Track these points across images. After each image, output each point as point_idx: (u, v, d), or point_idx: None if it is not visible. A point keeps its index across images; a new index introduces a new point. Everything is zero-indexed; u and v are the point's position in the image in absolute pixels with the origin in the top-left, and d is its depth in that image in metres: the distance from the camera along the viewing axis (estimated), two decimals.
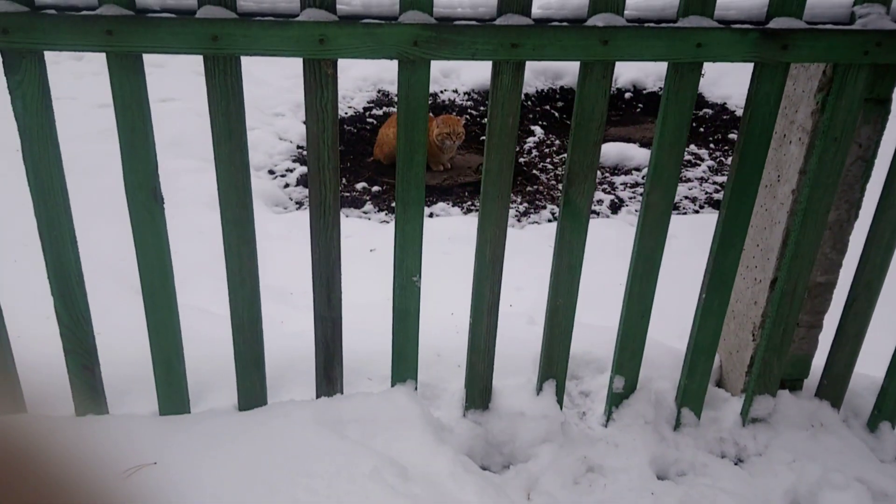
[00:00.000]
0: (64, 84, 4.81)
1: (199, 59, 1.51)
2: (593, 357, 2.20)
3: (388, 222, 3.85)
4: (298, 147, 4.72)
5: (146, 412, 1.87)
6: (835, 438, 1.97)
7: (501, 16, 1.52)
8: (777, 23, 1.57)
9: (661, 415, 1.99)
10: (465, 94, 5.76)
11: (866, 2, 1.59)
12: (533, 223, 3.96)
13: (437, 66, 5.71)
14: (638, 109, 5.79)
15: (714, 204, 4.28)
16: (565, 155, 4.81)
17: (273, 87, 5.41)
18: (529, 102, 5.61)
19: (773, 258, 1.90)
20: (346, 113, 5.28)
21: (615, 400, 1.99)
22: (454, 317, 2.50)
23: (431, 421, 1.84)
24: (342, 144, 4.67)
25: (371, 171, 4.49)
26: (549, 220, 3.98)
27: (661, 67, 5.89)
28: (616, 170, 4.70)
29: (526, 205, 4.16)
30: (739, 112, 5.56)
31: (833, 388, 2.04)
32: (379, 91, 5.69)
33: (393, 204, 4.05)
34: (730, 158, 4.87)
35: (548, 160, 4.80)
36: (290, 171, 4.41)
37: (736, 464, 1.95)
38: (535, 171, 4.60)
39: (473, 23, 1.52)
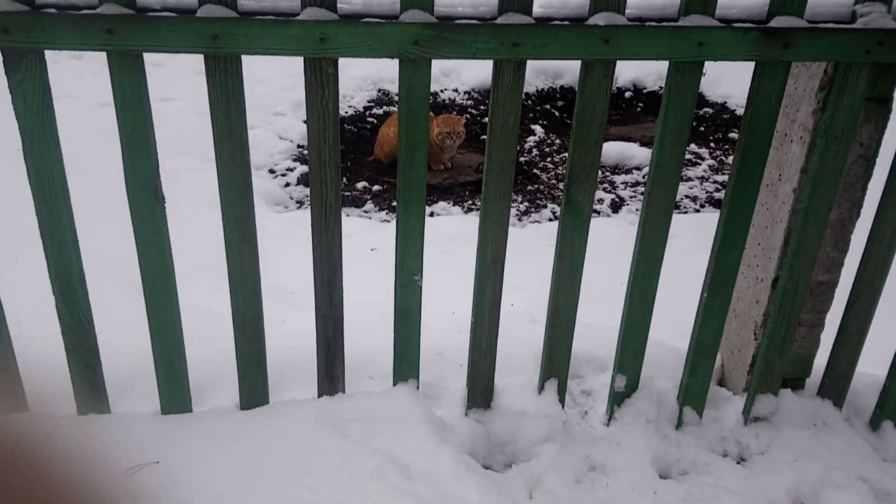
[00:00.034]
0: (64, 83, 4.81)
1: (200, 57, 1.51)
2: (595, 356, 2.20)
3: (388, 221, 3.85)
4: (299, 146, 4.71)
5: (148, 411, 1.87)
6: (837, 437, 1.97)
7: (502, 15, 1.52)
8: (778, 21, 1.57)
9: (663, 414, 1.99)
10: (465, 93, 5.75)
11: (867, 1, 1.59)
12: (534, 222, 3.96)
13: (437, 66, 5.70)
14: (638, 108, 5.79)
15: (715, 203, 4.28)
16: (566, 154, 4.82)
17: (273, 85, 5.41)
18: (530, 101, 5.60)
19: (774, 257, 1.90)
20: (346, 112, 5.28)
21: (617, 399, 1.99)
22: (455, 316, 2.50)
23: (433, 420, 1.84)
24: (343, 143, 4.67)
25: (371, 171, 4.48)
26: (550, 220, 3.98)
27: (662, 66, 5.89)
28: (617, 169, 4.70)
29: (527, 204, 4.16)
30: (740, 111, 5.56)
31: (835, 386, 2.04)
32: (379, 90, 5.68)
33: (394, 203, 4.06)
34: (730, 157, 4.87)
35: (548, 159, 4.80)
36: (291, 170, 4.41)
37: (738, 463, 1.95)
38: (535, 171, 4.60)
39: (474, 22, 1.52)
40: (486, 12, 1.53)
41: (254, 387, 1.87)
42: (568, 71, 5.86)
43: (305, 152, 4.60)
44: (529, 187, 4.36)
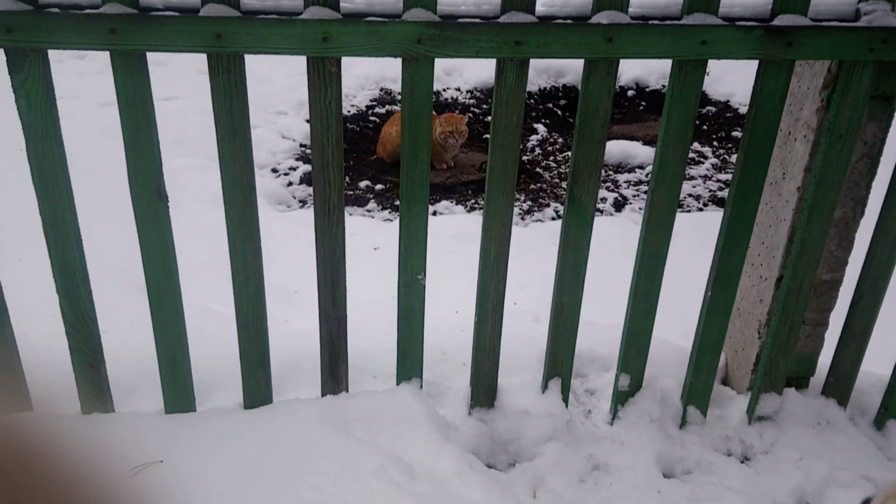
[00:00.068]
0: (67, 82, 4.82)
1: (202, 57, 1.51)
2: (598, 355, 2.19)
3: (391, 220, 3.85)
4: (301, 145, 4.72)
5: (152, 410, 1.87)
6: (841, 436, 1.96)
7: (505, 13, 1.52)
8: (782, 20, 1.57)
9: (667, 413, 1.99)
10: (467, 92, 5.75)
11: None
12: (536, 221, 3.95)
13: (439, 64, 5.70)
14: (641, 107, 5.78)
15: (718, 201, 4.27)
16: (568, 153, 4.81)
17: (276, 85, 5.41)
18: (532, 100, 5.60)
19: (778, 256, 1.89)
20: (348, 111, 5.28)
21: (621, 398, 1.99)
22: (458, 315, 2.50)
23: (437, 419, 1.84)
24: (345, 142, 4.67)
25: (374, 170, 4.48)
26: (553, 218, 3.98)
27: (664, 65, 5.88)
28: (619, 168, 4.70)
29: (529, 203, 4.16)
30: (743, 109, 5.55)
31: (839, 385, 2.04)
32: (381, 89, 5.68)
33: (396, 202, 4.05)
34: (733, 156, 4.86)
35: (551, 158, 4.80)
36: (294, 169, 4.41)
37: (742, 462, 1.94)
38: (538, 169, 4.59)
39: (477, 20, 1.52)
40: (489, 11, 1.53)
41: (257, 386, 1.87)
42: (570, 70, 5.86)
43: (308, 151, 4.60)
44: (532, 186, 4.35)
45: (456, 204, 4.12)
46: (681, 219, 3.42)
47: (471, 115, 5.36)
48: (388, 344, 1.91)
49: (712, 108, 5.65)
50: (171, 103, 4.72)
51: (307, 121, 4.93)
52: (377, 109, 5.37)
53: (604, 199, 4.23)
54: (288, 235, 3.36)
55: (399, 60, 1.54)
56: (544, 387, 1.98)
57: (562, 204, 4.05)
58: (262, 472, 1.62)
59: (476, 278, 1.82)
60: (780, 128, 1.86)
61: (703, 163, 4.80)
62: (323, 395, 1.91)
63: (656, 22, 1.55)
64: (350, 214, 3.87)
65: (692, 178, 4.57)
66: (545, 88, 5.78)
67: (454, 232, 3.50)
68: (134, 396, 1.90)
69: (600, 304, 2.36)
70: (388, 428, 1.78)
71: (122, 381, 1.88)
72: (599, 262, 2.18)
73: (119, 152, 1.59)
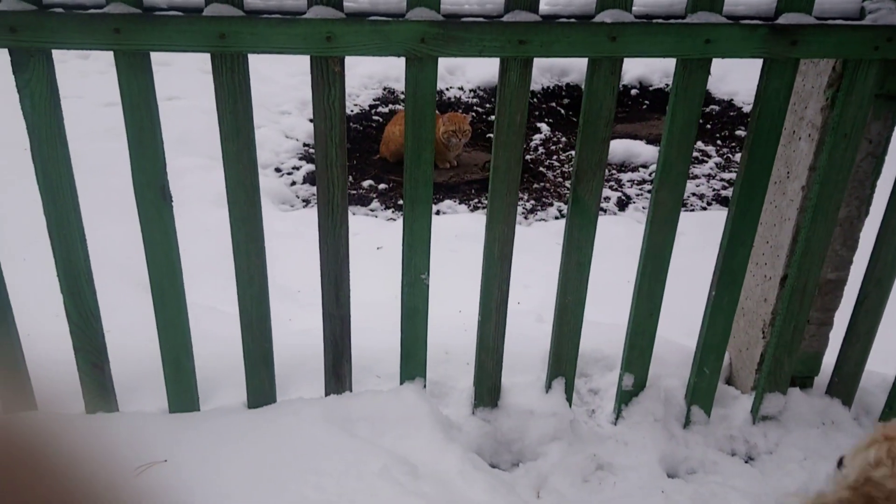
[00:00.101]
0: (70, 82, 4.82)
1: (206, 56, 1.51)
2: (602, 355, 2.19)
3: (394, 220, 3.85)
4: (305, 145, 4.72)
5: (155, 409, 1.87)
6: (846, 436, 1.96)
7: (509, 12, 1.52)
8: (786, 18, 1.56)
9: (671, 412, 1.98)
10: (470, 91, 5.75)
11: None
12: (540, 220, 3.95)
13: (442, 64, 5.68)
14: (644, 106, 5.77)
15: (721, 201, 4.27)
16: (572, 152, 4.81)
17: (279, 84, 5.41)
18: (535, 99, 5.59)
19: (783, 255, 1.89)
20: (351, 111, 5.28)
21: (624, 398, 1.98)
22: (462, 314, 2.49)
23: (440, 419, 1.84)
24: (348, 142, 4.67)
25: (377, 169, 4.48)
26: (556, 218, 3.97)
27: (668, 63, 5.87)
28: (623, 167, 4.69)
29: (533, 202, 4.15)
30: (746, 108, 5.54)
31: (844, 385, 2.03)
32: (385, 88, 5.68)
33: (399, 201, 4.05)
34: (737, 155, 4.85)
35: (554, 157, 4.79)
36: (297, 168, 4.41)
37: (746, 462, 1.94)
38: (541, 169, 4.59)
39: (481, 20, 1.52)
40: (492, 10, 1.53)
41: (261, 385, 1.87)
42: (574, 69, 5.85)
43: (311, 151, 4.60)
44: (535, 185, 4.35)
45: (459, 203, 4.11)
46: (684, 218, 3.40)
47: (474, 114, 5.36)
48: (392, 343, 1.91)
49: (716, 107, 5.64)
50: (174, 103, 4.72)
51: (311, 120, 4.93)
52: (380, 109, 5.37)
53: (607, 199, 4.22)
54: (291, 235, 3.36)
55: (402, 60, 1.54)
56: (548, 386, 1.98)
57: (565, 203, 4.04)
58: (266, 471, 1.62)
59: (479, 278, 1.81)
60: (785, 127, 1.85)
61: (706, 162, 4.79)
62: (326, 394, 1.91)
63: (660, 20, 1.55)
64: (353, 214, 3.87)
65: (696, 177, 4.57)
66: (548, 87, 5.77)
67: (457, 231, 3.49)
68: (138, 396, 1.91)
69: (604, 303, 2.35)
70: (392, 428, 1.78)
71: (126, 380, 1.89)
72: (603, 262, 2.17)
73: (123, 152, 1.59)
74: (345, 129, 1.61)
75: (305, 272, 2.34)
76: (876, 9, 1.58)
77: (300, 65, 5.43)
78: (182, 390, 1.85)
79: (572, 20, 1.53)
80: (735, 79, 5.83)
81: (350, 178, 4.33)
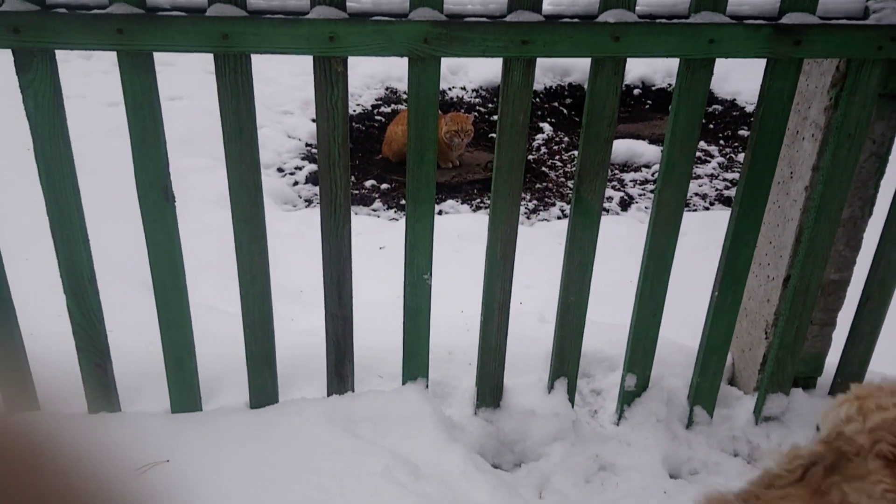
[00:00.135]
0: (73, 82, 4.83)
1: (208, 56, 1.51)
2: (605, 355, 2.19)
3: (397, 220, 3.85)
4: (307, 145, 4.72)
5: (158, 409, 1.87)
6: None
7: (512, 12, 1.52)
8: (790, 18, 1.56)
9: (674, 413, 1.98)
10: (473, 91, 5.75)
11: None
12: (542, 220, 3.95)
13: (444, 63, 5.67)
14: (647, 106, 5.76)
15: (724, 201, 4.26)
16: (574, 152, 4.80)
17: (281, 84, 5.41)
18: (538, 99, 5.59)
19: (786, 255, 1.88)
20: (354, 110, 5.28)
21: (627, 398, 1.98)
22: (464, 314, 2.49)
23: (443, 419, 1.84)
24: (351, 142, 4.67)
25: (380, 169, 4.48)
26: (559, 218, 3.97)
27: (671, 63, 5.86)
28: (625, 167, 4.68)
29: (535, 202, 4.15)
30: (749, 108, 5.53)
31: (847, 386, 2.02)
32: (387, 88, 5.68)
33: (402, 201, 4.05)
34: (740, 155, 4.85)
35: (556, 157, 4.79)
36: (299, 168, 4.41)
37: (749, 462, 1.93)
38: (544, 169, 4.58)
39: (484, 20, 1.52)
40: (495, 10, 1.53)
41: (263, 385, 1.87)
42: (576, 68, 5.84)
43: (314, 151, 4.60)
44: (538, 185, 4.35)
45: (461, 203, 4.11)
46: (687, 218, 3.38)
47: (476, 114, 5.36)
48: (394, 343, 1.91)
49: (719, 107, 5.63)
50: (177, 103, 4.73)
51: (313, 120, 4.93)
52: (382, 108, 5.37)
53: (610, 198, 4.22)
54: (294, 235, 3.36)
55: (405, 60, 1.54)
56: (550, 387, 1.98)
57: (567, 203, 4.04)
58: (268, 471, 1.62)
59: (482, 278, 1.81)
60: (788, 127, 1.85)
61: (709, 161, 4.78)
62: (329, 394, 1.91)
63: (664, 20, 1.54)
64: (355, 214, 3.87)
65: (698, 176, 4.56)
66: (551, 87, 5.77)
67: (460, 231, 3.49)
68: (140, 396, 1.91)
69: (606, 303, 2.35)
70: (394, 428, 1.78)
71: (128, 380, 1.89)
72: (605, 262, 2.17)
73: (126, 152, 1.59)
74: (348, 129, 1.61)
75: (308, 272, 2.34)
76: (880, 8, 1.58)
77: (303, 65, 5.44)
78: (184, 390, 1.85)
79: (575, 20, 1.53)
80: (738, 78, 5.82)
81: (352, 178, 4.33)
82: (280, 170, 4.39)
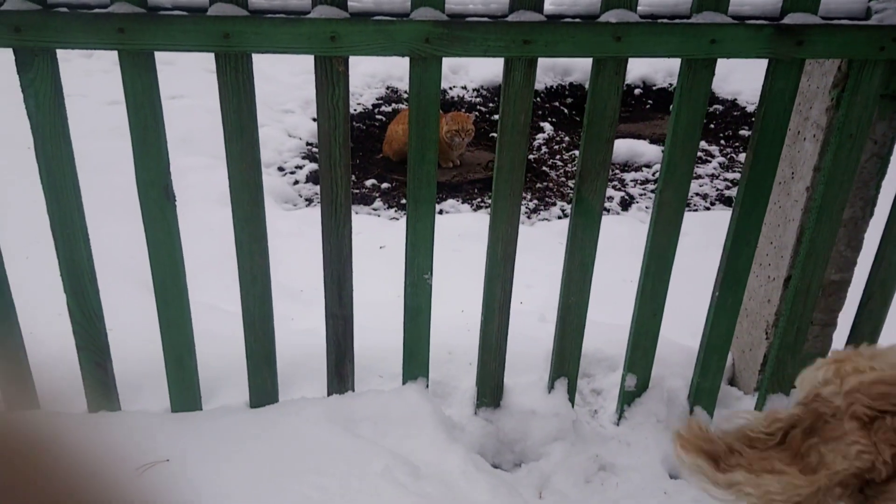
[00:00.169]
0: (74, 81, 4.82)
1: (210, 55, 1.51)
2: (605, 355, 2.19)
3: (397, 219, 3.84)
4: (308, 144, 4.72)
5: (158, 409, 1.87)
6: None
7: (513, 12, 1.52)
8: (792, 18, 1.56)
9: (674, 413, 1.98)
10: (473, 90, 5.74)
11: None
12: (543, 220, 3.94)
13: (445, 63, 5.67)
14: (647, 106, 5.76)
15: (725, 201, 4.26)
16: (575, 151, 4.80)
17: (282, 83, 5.41)
18: (539, 99, 5.59)
19: (786, 256, 1.88)
20: (354, 109, 5.28)
21: (627, 398, 1.98)
22: (464, 314, 2.49)
23: (443, 419, 1.84)
24: (351, 141, 4.67)
25: (380, 168, 4.48)
26: (559, 217, 3.97)
27: (672, 63, 5.86)
28: (626, 166, 4.68)
29: (536, 202, 4.15)
30: (750, 108, 5.53)
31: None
32: (388, 87, 5.68)
33: (402, 200, 4.05)
34: (740, 155, 4.84)
35: (557, 157, 4.78)
36: (300, 167, 4.41)
37: None
38: (544, 168, 4.58)
39: (485, 19, 1.51)
40: (497, 10, 1.53)
41: (263, 385, 1.87)
42: (577, 68, 5.84)
43: (314, 150, 4.60)
44: (538, 185, 4.34)
45: (462, 203, 4.11)
46: (688, 218, 3.37)
47: (477, 113, 5.35)
48: (395, 343, 1.91)
49: (719, 107, 5.63)
50: (177, 102, 4.73)
51: (314, 119, 4.93)
52: (383, 108, 5.37)
53: (610, 198, 4.21)
54: (294, 234, 3.36)
55: (406, 59, 1.54)
56: (550, 387, 1.98)
57: (568, 203, 4.04)
58: (268, 471, 1.62)
59: (482, 277, 1.81)
60: (790, 127, 1.85)
61: (710, 161, 4.78)
62: (329, 394, 1.91)
63: (665, 20, 1.54)
64: (356, 213, 3.87)
65: (699, 176, 4.56)
66: (551, 87, 5.76)
67: (460, 231, 3.49)
68: (141, 395, 1.91)
69: (607, 303, 2.35)
70: (394, 428, 1.78)
71: (128, 379, 1.89)
72: (606, 262, 2.17)
73: (127, 151, 1.59)
74: (349, 129, 1.61)
75: (308, 271, 2.34)
76: (882, 9, 1.57)
77: (303, 64, 5.44)
78: (184, 389, 1.85)
79: (577, 20, 1.53)
80: (739, 78, 5.81)
81: (353, 178, 4.32)
82: (281, 169, 4.39)
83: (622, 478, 1.82)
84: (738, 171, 4.57)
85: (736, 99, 5.71)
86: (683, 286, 2.15)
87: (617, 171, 4.59)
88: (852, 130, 1.67)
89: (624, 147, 4.77)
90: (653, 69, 6.01)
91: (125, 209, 2.02)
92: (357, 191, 4.19)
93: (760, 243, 1.96)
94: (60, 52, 1.50)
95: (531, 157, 4.72)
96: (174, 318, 1.76)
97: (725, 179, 4.54)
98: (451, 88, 5.74)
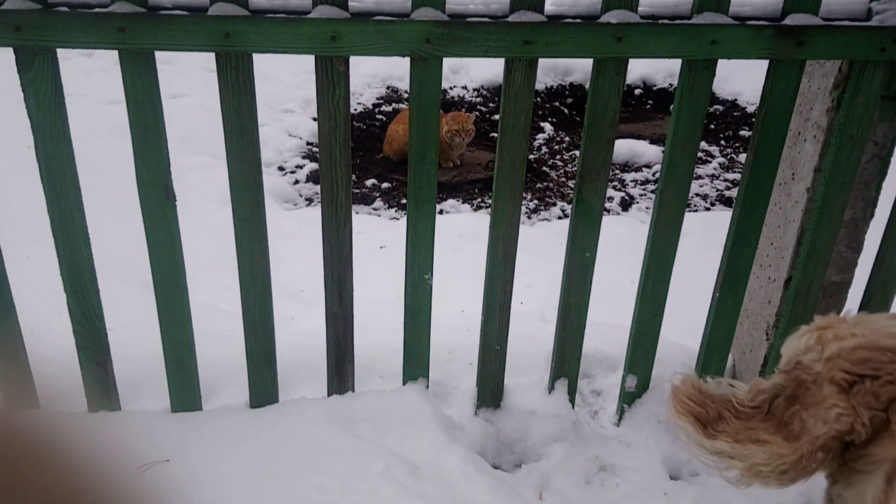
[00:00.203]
0: (75, 80, 4.82)
1: (209, 55, 1.51)
2: (605, 355, 2.19)
3: (397, 219, 3.84)
4: (308, 143, 4.72)
5: (158, 409, 1.87)
6: None
7: (514, 13, 1.51)
8: (793, 19, 1.55)
9: None
10: (474, 90, 5.74)
11: None
12: (543, 220, 3.94)
13: (445, 63, 5.67)
14: (648, 106, 5.76)
15: (725, 201, 4.26)
16: (575, 152, 4.80)
17: (282, 83, 5.41)
18: (539, 99, 5.59)
19: (787, 257, 1.88)
20: (355, 109, 5.28)
21: (627, 399, 1.98)
22: (465, 314, 2.49)
23: (443, 419, 1.84)
24: (352, 141, 4.66)
25: (381, 168, 4.48)
26: (560, 218, 3.97)
27: (672, 63, 5.86)
28: (626, 167, 4.68)
29: (536, 202, 4.15)
30: (751, 108, 5.52)
31: None
32: (388, 87, 5.68)
33: (402, 200, 4.05)
34: (741, 155, 4.84)
35: (558, 157, 4.78)
36: (300, 167, 4.41)
37: None
38: (545, 168, 4.58)
39: (486, 20, 1.51)
40: (497, 10, 1.53)
41: (263, 385, 1.87)
42: (577, 68, 5.84)
43: (314, 149, 4.60)
44: (539, 185, 4.34)
45: (462, 203, 4.11)
46: (688, 218, 3.36)
47: (477, 113, 5.35)
48: (395, 343, 1.91)
49: (720, 107, 5.63)
50: (178, 101, 4.73)
51: (314, 119, 4.92)
52: (384, 107, 5.36)
53: (610, 199, 4.21)
54: (294, 234, 3.36)
55: (406, 59, 1.54)
56: (551, 387, 1.97)
57: (568, 203, 4.04)
58: (268, 471, 1.62)
59: (483, 278, 1.81)
60: (790, 128, 1.85)
61: (710, 162, 4.78)
62: (329, 394, 1.91)
63: (666, 21, 1.54)
64: (356, 213, 3.86)
65: (699, 177, 4.56)
66: (552, 87, 5.76)
67: (461, 231, 3.49)
68: (141, 394, 1.91)
69: (607, 303, 2.35)
70: (395, 428, 1.78)
71: (129, 379, 1.89)
72: (606, 262, 2.17)
73: (127, 150, 1.59)
74: (349, 129, 1.61)
75: (308, 271, 2.34)
76: (883, 10, 1.57)
77: (303, 63, 5.43)
78: (184, 389, 1.85)
79: (578, 20, 1.53)
80: (739, 79, 5.81)
81: (353, 177, 4.32)
82: (281, 168, 4.39)
83: (622, 478, 1.82)
84: (739, 172, 4.57)
85: (736, 99, 5.71)
86: (684, 287, 2.15)
87: (617, 172, 4.59)
88: (853, 131, 1.67)
89: (624, 147, 4.77)
90: (653, 69, 6.00)
91: (125, 209, 2.02)
92: (357, 191, 4.19)
93: (761, 244, 1.96)
94: (60, 51, 1.50)
95: (531, 157, 4.72)
96: (174, 318, 1.76)
97: (726, 180, 4.54)
98: (451, 88, 5.74)
